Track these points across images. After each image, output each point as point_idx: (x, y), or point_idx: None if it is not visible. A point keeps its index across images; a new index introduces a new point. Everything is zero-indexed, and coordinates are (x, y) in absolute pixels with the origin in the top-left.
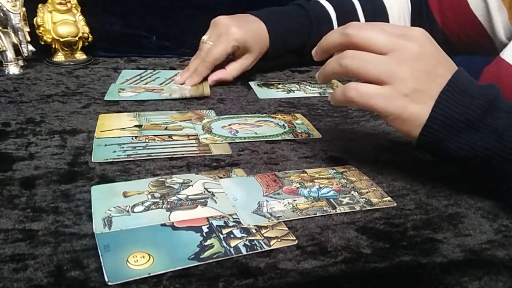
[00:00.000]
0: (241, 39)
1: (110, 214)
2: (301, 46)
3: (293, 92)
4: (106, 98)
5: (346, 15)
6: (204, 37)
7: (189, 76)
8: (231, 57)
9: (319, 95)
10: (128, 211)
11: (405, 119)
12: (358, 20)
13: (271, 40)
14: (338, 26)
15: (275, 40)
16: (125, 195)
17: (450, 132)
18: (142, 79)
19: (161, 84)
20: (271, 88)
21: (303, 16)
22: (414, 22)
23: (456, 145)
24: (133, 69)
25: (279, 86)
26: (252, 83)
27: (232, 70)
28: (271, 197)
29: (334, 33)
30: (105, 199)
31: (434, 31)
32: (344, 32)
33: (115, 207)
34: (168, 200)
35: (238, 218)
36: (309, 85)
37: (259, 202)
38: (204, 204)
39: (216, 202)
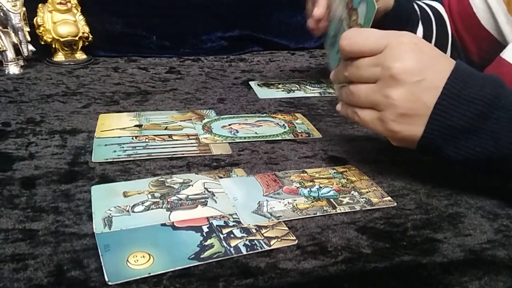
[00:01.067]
0: None
1: (110, 214)
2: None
3: (293, 92)
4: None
5: (425, 18)
6: None
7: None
8: None
9: (319, 95)
10: (128, 211)
11: (401, 139)
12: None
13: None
14: (422, 22)
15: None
16: (125, 195)
17: (446, 140)
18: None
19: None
20: (271, 88)
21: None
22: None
23: (454, 151)
24: (133, 68)
25: (279, 86)
26: (252, 83)
27: None
28: (271, 197)
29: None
30: (105, 199)
31: (457, 53)
32: (341, 49)
33: (115, 207)
34: (168, 200)
35: (238, 218)
36: (309, 85)
37: (259, 202)
38: (204, 204)
39: (216, 202)
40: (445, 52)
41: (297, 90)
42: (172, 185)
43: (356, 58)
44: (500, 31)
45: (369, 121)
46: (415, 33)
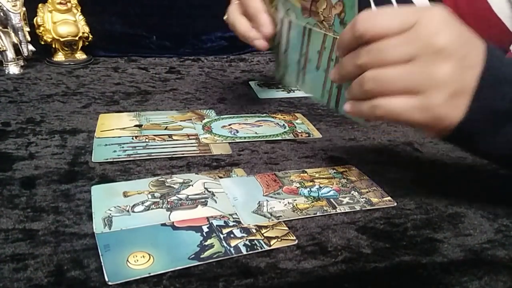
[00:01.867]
0: None
1: (110, 214)
2: None
3: (293, 91)
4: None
5: None
6: None
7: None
8: None
9: None
10: (128, 211)
11: (444, 127)
12: None
13: None
14: None
15: None
16: (125, 195)
17: (487, 127)
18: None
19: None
20: (272, 88)
21: None
22: None
23: (493, 140)
24: (133, 68)
25: (279, 86)
26: (252, 83)
27: None
28: (271, 196)
29: (345, 36)
30: (105, 199)
31: None
32: (355, 35)
33: (115, 207)
34: (168, 200)
35: (238, 218)
36: None
37: (259, 202)
38: (204, 204)
39: (216, 202)
40: None
41: (297, 90)
42: (172, 185)
43: (374, 41)
44: None
45: (403, 111)
46: None
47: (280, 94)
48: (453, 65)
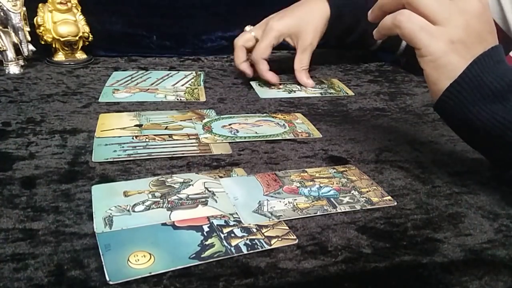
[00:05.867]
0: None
1: (111, 214)
2: (354, 24)
3: (294, 92)
4: (101, 99)
5: None
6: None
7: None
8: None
9: (320, 95)
10: (128, 211)
11: (440, 65)
12: None
13: (332, 11)
14: None
15: (334, 10)
16: (125, 194)
17: (475, 96)
18: (133, 79)
19: (152, 84)
20: (272, 88)
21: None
22: None
23: (476, 111)
24: (133, 68)
25: (281, 86)
26: (253, 83)
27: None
28: (271, 196)
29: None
30: (105, 199)
31: None
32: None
33: (115, 207)
34: (169, 199)
35: (239, 218)
36: None
37: (259, 201)
38: (205, 204)
39: (216, 202)
40: None
41: (298, 90)
42: (172, 185)
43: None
44: (506, 20)
45: (421, 27)
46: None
47: (281, 94)
48: (472, 25)
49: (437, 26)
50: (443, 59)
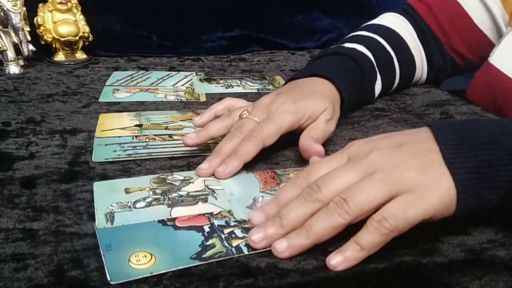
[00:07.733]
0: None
1: (112, 210)
2: (355, 99)
3: (232, 87)
4: (101, 99)
5: (381, 59)
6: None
7: (222, 161)
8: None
9: (257, 91)
10: (130, 207)
11: (438, 205)
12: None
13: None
14: (379, 71)
15: (346, 96)
16: (127, 191)
17: (482, 184)
18: (133, 79)
19: (153, 84)
20: (212, 83)
21: (356, 68)
22: (425, 45)
23: (490, 189)
24: (133, 68)
25: (220, 81)
26: (194, 78)
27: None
28: (267, 193)
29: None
30: (107, 195)
31: (443, 54)
32: (313, 197)
33: (117, 203)
34: (169, 196)
35: (239, 218)
36: (250, 81)
37: (254, 197)
38: (205, 201)
39: (216, 199)
40: (413, 70)
41: (237, 86)
42: (173, 182)
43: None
44: (498, 29)
45: (403, 211)
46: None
47: (219, 89)
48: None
49: (402, 196)
50: (439, 205)
